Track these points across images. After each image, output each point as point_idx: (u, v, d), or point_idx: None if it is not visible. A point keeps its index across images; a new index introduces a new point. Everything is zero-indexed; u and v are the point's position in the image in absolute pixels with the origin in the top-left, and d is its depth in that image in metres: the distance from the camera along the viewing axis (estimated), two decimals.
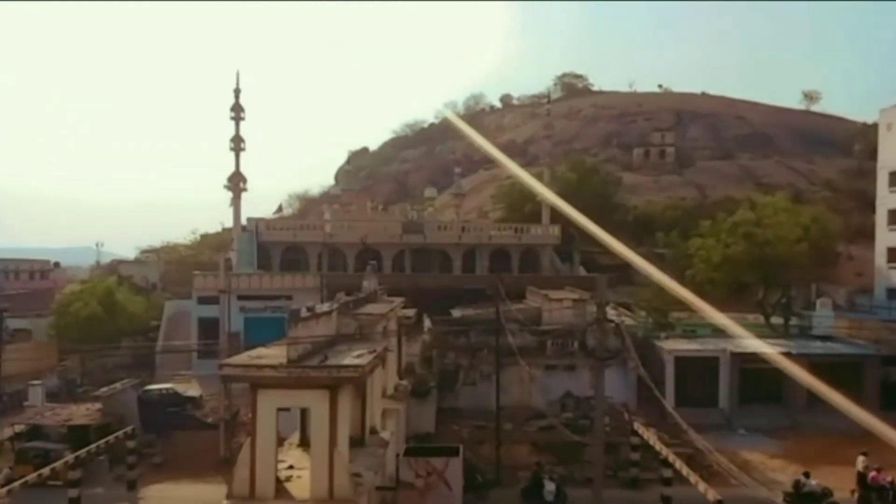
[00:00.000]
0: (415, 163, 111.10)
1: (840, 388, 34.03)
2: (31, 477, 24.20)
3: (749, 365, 34.48)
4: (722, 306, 45.57)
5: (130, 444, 29.17)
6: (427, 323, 34.94)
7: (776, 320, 44.05)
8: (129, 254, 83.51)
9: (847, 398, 33.58)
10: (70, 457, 26.18)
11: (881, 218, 60.57)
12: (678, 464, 23.19)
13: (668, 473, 24.30)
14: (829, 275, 53.92)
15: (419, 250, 54.99)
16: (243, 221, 54.31)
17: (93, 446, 27.48)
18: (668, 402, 31.88)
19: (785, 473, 28.15)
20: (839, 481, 26.42)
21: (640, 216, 68.64)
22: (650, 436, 26.37)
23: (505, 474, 27.94)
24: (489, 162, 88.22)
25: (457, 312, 40.26)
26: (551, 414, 31.75)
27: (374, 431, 19.20)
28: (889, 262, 59.03)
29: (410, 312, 29.51)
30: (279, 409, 15.77)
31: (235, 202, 52.57)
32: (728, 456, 27.86)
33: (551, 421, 31.03)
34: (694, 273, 45.13)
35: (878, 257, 60.77)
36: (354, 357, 16.53)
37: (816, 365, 34.01)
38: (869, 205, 64.78)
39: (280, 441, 17.59)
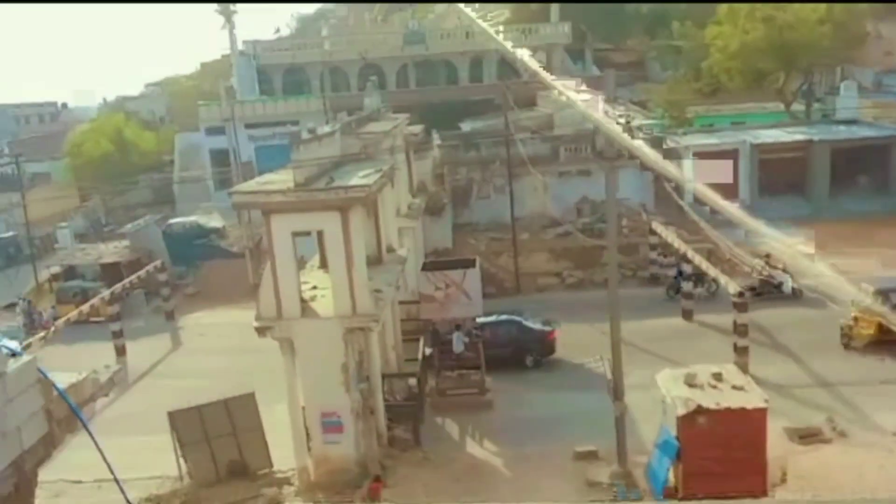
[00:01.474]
0: None
1: (865, 172, 33.82)
2: (73, 314, 25.44)
3: (769, 155, 33.96)
4: (741, 96, 44.32)
5: (162, 277, 30.13)
6: (436, 139, 34.30)
7: (798, 107, 42.81)
8: (136, 92, 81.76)
9: (873, 182, 33.51)
10: (106, 292, 27.27)
11: None
12: (697, 259, 23.52)
13: (688, 268, 24.74)
14: (856, 56, 51.36)
15: (423, 63, 52.87)
16: (240, 46, 52.18)
17: (126, 281, 28.50)
18: (688, 198, 31.84)
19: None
20: (862, 265, 26.68)
21: (654, 6, 64.81)
22: (669, 234, 26.51)
23: (524, 281, 28.66)
24: None
25: (466, 126, 39.43)
26: (567, 220, 31.85)
27: (391, 250, 19.47)
28: None
29: (417, 129, 28.86)
30: (294, 233, 15.92)
31: (229, 25, 50.02)
32: (748, 248, 28.22)
33: (567, 227, 31.25)
34: (711, 64, 43.32)
35: None
36: (361, 177, 16.36)
37: (839, 150, 33.50)
38: None
39: (302, 264, 17.99)
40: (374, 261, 17.94)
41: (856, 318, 20.70)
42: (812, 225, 30.86)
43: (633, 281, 27.93)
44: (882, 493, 13.97)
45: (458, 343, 20.37)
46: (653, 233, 27.65)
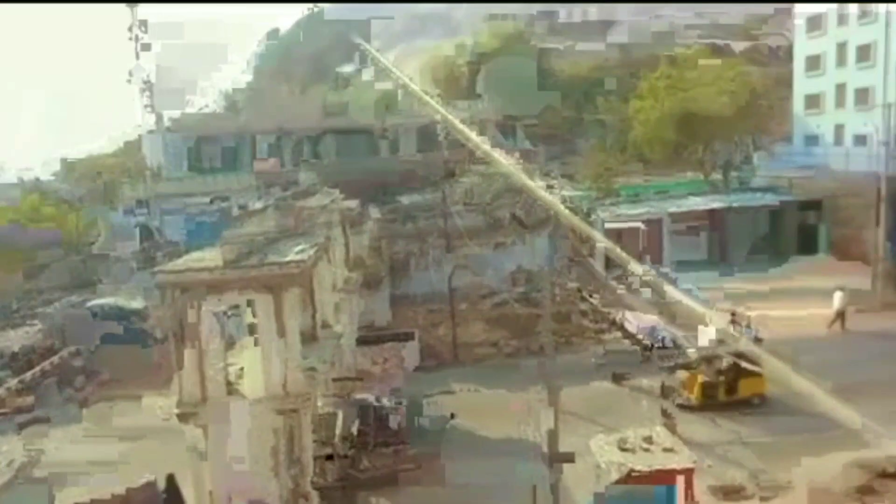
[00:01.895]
0: (330, 40, 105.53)
1: (764, 234, 36.15)
2: None
3: (682, 222, 35.91)
4: (664, 167, 46.61)
5: (77, 363, 28.67)
6: (374, 213, 34.70)
7: (717, 176, 45.21)
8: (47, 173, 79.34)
9: (770, 243, 35.81)
10: (13, 382, 25.84)
11: (798, 65, 61.80)
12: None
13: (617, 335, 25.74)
14: (755, 128, 55.26)
15: (344, 134, 53.32)
16: (166, 122, 51.79)
17: (37, 369, 27.04)
18: (599, 267, 33.17)
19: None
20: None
21: (573, 80, 68.02)
22: (597, 302, 27.58)
23: (462, 352, 28.97)
24: (410, 34, 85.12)
25: (405, 199, 40.05)
26: (504, 290, 32.57)
27: (326, 325, 19.47)
28: (806, 110, 60.85)
29: (353, 203, 29.28)
30: (226, 312, 15.76)
31: (142, 98, 49.50)
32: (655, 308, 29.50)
33: (504, 297, 31.94)
34: (635, 136, 45.57)
35: (795, 105, 62.52)
36: (296, 252, 16.48)
37: (740, 216, 35.79)
38: (786, 54, 65.80)
39: (231, 343, 17.76)
40: (309, 338, 17.87)
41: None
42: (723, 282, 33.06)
43: (567, 347, 28.55)
44: None
45: (395, 419, 20.34)
46: (583, 300, 28.69)
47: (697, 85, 42.05)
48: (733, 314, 26.55)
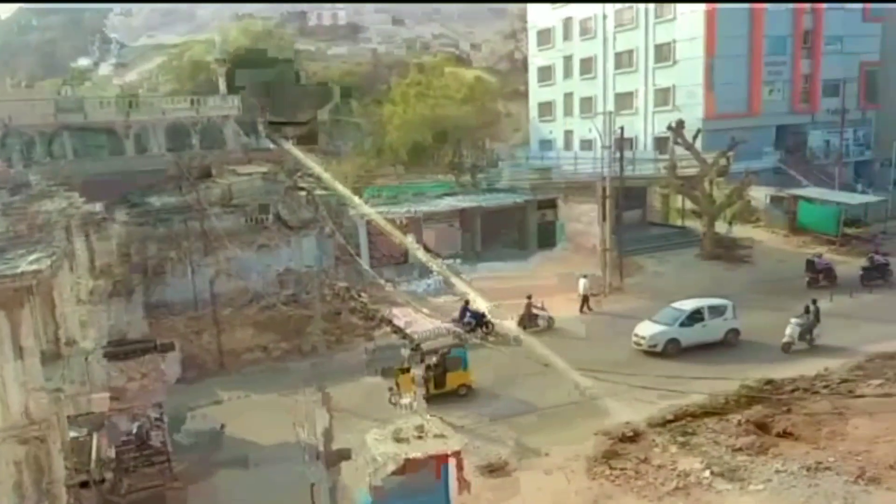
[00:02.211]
0: (62, 31, 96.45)
1: (508, 231, 39.09)
2: None
3: (433, 221, 37.55)
4: (420, 169, 48.40)
5: None
6: (120, 216, 31.86)
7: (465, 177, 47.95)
8: None
9: (514, 240, 38.84)
10: None
11: (532, 75, 67.58)
12: (400, 314, 25.24)
13: (386, 329, 26.32)
14: (493, 132, 59.52)
15: (80, 132, 48.80)
16: None
17: None
18: (364, 263, 33.85)
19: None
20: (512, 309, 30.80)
21: (322, 83, 68.41)
22: (366, 298, 27.93)
23: (229, 359, 27.75)
24: (153, 28, 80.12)
25: (156, 201, 37.28)
26: (270, 292, 31.69)
27: (71, 342, 17.63)
28: (540, 117, 66.78)
29: (97, 207, 26.64)
30: None
31: None
32: (422, 304, 30.86)
33: (270, 300, 31.09)
34: (390, 139, 46.93)
35: (530, 112, 68.30)
36: (31, 262, 14.72)
37: (486, 214, 38.31)
38: (522, 64, 71.68)
39: None
40: (52, 356, 16.06)
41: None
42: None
43: (338, 346, 28.55)
44: None
45: (157, 436, 19.00)
46: (352, 298, 28.84)
47: (444, 92, 44.34)
48: (529, 297, 29.49)
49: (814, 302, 25.97)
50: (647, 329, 26.37)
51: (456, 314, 29.21)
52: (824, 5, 52.55)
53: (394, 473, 14.85)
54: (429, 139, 45.42)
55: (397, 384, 22.42)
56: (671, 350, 25.51)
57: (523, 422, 21.11)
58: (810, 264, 33.84)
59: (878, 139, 55.24)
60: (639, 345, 26.16)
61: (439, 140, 46.03)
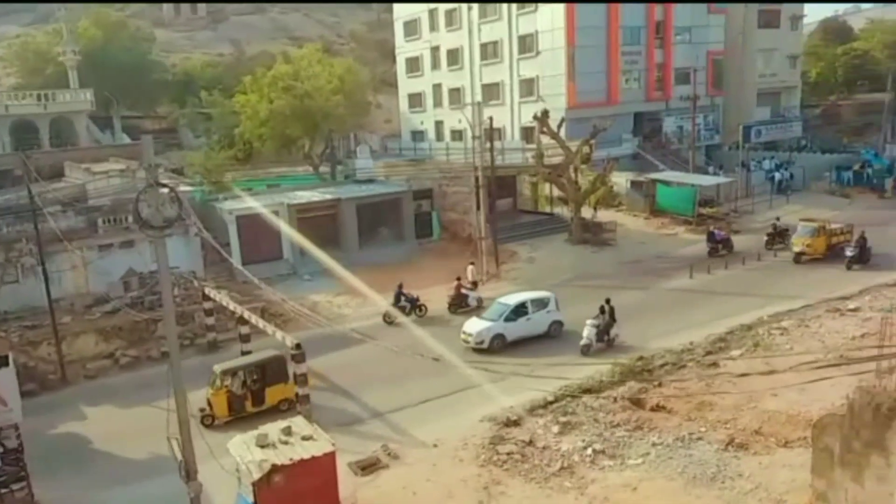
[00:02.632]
0: None
1: (385, 224, 38.56)
2: None
3: (305, 215, 36.39)
4: (274, 161, 47.08)
5: None
6: None
7: (325, 169, 47.06)
8: None
9: (391, 232, 38.39)
10: None
11: (401, 66, 67.30)
12: (253, 318, 23.85)
13: (245, 330, 24.90)
14: (364, 123, 58.79)
15: None
16: None
17: None
18: (236, 262, 32.39)
19: (349, 307, 31.18)
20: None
21: (180, 75, 65.21)
22: (223, 297, 26.46)
23: (72, 370, 25.65)
24: None
25: None
26: (115, 296, 29.64)
27: None
28: (410, 108, 66.63)
29: None
30: None
31: None
32: (298, 301, 29.76)
33: (115, 304, 29.05)
34: (243, 131, 45.33)
35: (401, 103, 68.02)
36: None
37: (363, 207, 37.59)
38: (390, 55, 71.24)
39: None
40: None
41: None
42: (348, 274, 34.39)
43: (192, 349, 27.13)
44: None
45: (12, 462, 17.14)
46: (207, 298, 27.25)
47: (313, 83, 43.26)
48: (458, 279, 30.33)
49: (607, 301, 25.07)
50: (474, 326, 25.89)
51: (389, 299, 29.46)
52: None
53: (263, 481, 14.04)
54: (297, 131, 44.17)
55: (209, 403, 21.00)
56: (497, 346, 25.20)
57: (410, 413, 20.79)
58: (711, 235, 37.03)
59: (725, 124, 59.00)
60: (467, 342, 25.55)
61: (309, 132, 44.86)
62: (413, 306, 29.66)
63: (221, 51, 75.64)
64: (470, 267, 31.97)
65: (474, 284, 31.42)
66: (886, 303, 25.61)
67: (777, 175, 50.57)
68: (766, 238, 36.58)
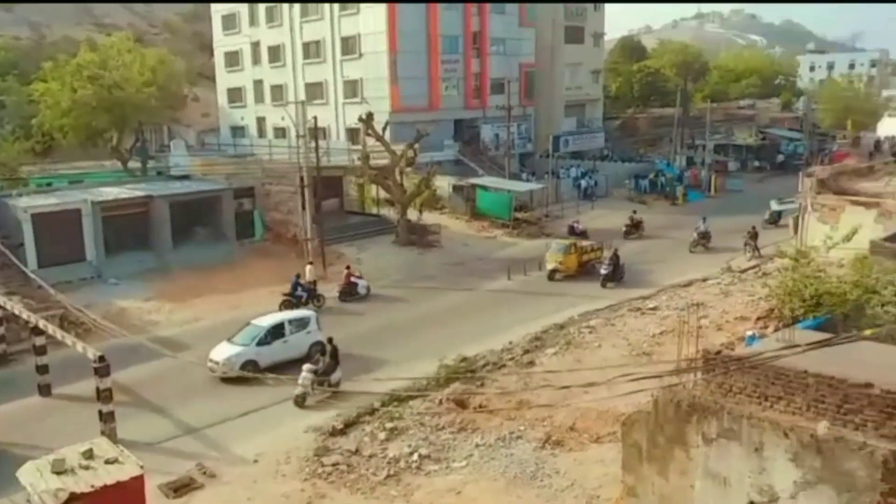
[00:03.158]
0: None
1: (202, 223, 36.64)
2: None
3: (113, 213, 33.77)
4: (78, 154, 43.34)
5: None
6: None
7: (135, 164, 44.01)
8: None
9: (210, 232, 36.58)
10: None
11: (219, 60, 64.59)
12: (50, 328, 21.64)
13: (41, 341, 22.55)
14: (179, 117, 55.71)
15: None
16: None
17: None
18: (31, 265, 29.42)
19: (160, 313, 29.30)
20: (212, 308, 29.09)
21: None
22: (14, 305, 23.86)
23: None
24: None
25: None
26: None
27: None
28: (230, 103, 64.10)
29: None
30: None
31: None
32: (103, 307, 27.68)
33: None
34: (41, 121, 41.37)
35: (220, 98, 65.27)
36: None
37: (177, 204, 35.46)
38: (207, 47, 68.13)
39: None
40: None
41: None
42: (160, 277, 32.39)
43: None
44: None
45: None
46: None
47: (123, 73, 40.36)
48: (348, 267, 31.54)
49: (329, 341, 22.11)
50: (221, 352, 23.15)
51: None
52: (488, 8, 57.25)
53: None
54: (104, 123, 40.90)
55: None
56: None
57: (229, 428, 19.89)
58: (571, 229, 41.88)
59: (537, 133, 62.31)
60: (213, 371, 22.86)
61: (117, 125, 41.68)
62: (310, 297, 29.44)
63: (18, 34, 68.40)
64: (308, 266, 31.53)
65: (314, 284, 31.06)
66: (681, 302, 28.12)
67: (583, 182, 54.10)
68: (624, 230, 41.49)
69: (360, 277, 31.53)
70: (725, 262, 35.20)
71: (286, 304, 28.50)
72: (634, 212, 43.32)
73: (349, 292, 30.97)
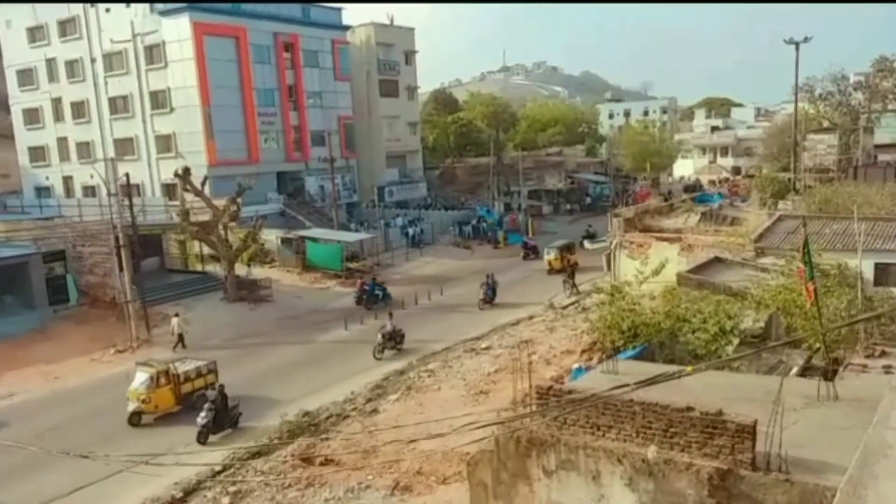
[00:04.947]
0: None
1: (9, 291, 33.54)
2: None
3: None
4: None
5: None
6: None
7: None
8: None
9: (19, 300, 33.55)
10: None
11: (17, 118, 60.01)
12: None
13: None
14: None
15: None
16: None
17: None
18: None
19: None
20: (27, 382, 26.70)
21: None
22: None
23: None
24: None
25: None
26: None
27: None
28: (32, 162, 59.51)
29: None
30: None
31: None
32: None
33: None
34: None
35: (20, 157, 60.45)
36: None
37: None
38: (3, 105, 63.07)
39: None
40: None
41: None
42: None
43: None
44: None
45: None
46: None
47: None
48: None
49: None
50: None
51: None
52: (300, 62, 57.58)
53: None
54: None
55: None
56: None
57: None
58: (525, 245, 50.33)
59: (361, 184, 63.18)
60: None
61: None
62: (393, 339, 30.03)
63: None
64: (175, 319, 31.11)
65: (180, 337, 30.28)
66: (511, 340, 29.57)
67: (410, 230, 55.49)
68: (582, 237, 49.43)
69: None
70: (547, 299, 37.37)
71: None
72: (590, 226, 53.50)
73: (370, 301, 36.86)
